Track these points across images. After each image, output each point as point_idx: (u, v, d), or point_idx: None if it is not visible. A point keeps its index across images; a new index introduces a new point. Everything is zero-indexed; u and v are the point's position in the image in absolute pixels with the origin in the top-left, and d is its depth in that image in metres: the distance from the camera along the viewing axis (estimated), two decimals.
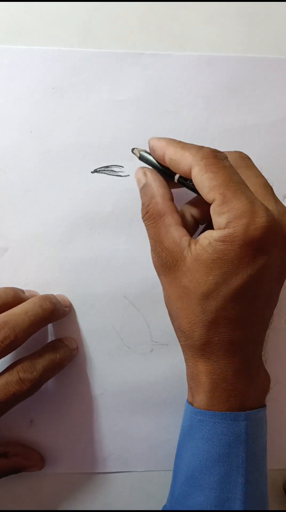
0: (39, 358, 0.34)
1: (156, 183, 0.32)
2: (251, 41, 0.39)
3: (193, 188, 0.31)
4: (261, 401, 0.32)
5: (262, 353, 0.33)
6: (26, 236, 0.37)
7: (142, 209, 0.32)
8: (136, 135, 0.38)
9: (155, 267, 0.32)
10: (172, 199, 0.32)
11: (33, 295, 0.36)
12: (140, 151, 0.34)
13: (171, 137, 0.37)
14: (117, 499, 0.38)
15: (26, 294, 0.36)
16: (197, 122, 0.38)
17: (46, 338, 0.37)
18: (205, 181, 0.29)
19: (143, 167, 0.33)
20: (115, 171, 0.37)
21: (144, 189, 0.33)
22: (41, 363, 0.33)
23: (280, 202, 0.31)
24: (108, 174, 0.37)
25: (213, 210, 0.29)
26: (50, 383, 0.37)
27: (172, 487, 0.33)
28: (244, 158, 0.32)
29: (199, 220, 0.34)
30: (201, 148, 0.30)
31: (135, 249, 0.38)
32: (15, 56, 0.37)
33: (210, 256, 0.28)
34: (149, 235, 0.32)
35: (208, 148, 0.30)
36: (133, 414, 0.38)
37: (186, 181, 0.32)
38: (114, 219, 0.38)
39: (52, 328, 0.38)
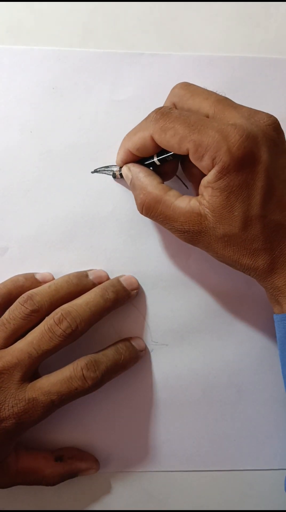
0: (104, 358, 0.34)
1: (141, 174, 0.33)
2: (251, 41, 0.39)
3: (172, 158, 0.33)
4: None
5: None
6: (26, 236, 0.37)
7: (137, 204, 0.33)
8: None
9: (188, 242, 0.32)
10: (162, 182, 0.33)
11: (99, 275, 0.36)
12: (119, 172, 0.36)
13: None
14: (117, 499, 0.38)
15: (91, 277, 0.36)
16: None
17: None
18: (169, 140, 0.30)
19: (127, 164, 0.35)
20: (115, 171, 0.37)
21: (132, 184, 0.34)
22: (105, 363, 0.34)
23: (240, 106, 0.31)
24: (108, 174, 0.37)
25: (192, 158, 0.30)
26: None
27: None
28: (185, 88, 0.32)
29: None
30: (147, 119, 0.32)
31: (135, 249, 0.38)
32: (15, 56, 0.37)
33: (222, 197, 0.29)
34: (160, 223, 0.33)
35: (151, 113, 0.32)
36: (133, 414, 0.38)
37: (164, 154, 0.33)
38: (114, 219, 0.38)
39: None
